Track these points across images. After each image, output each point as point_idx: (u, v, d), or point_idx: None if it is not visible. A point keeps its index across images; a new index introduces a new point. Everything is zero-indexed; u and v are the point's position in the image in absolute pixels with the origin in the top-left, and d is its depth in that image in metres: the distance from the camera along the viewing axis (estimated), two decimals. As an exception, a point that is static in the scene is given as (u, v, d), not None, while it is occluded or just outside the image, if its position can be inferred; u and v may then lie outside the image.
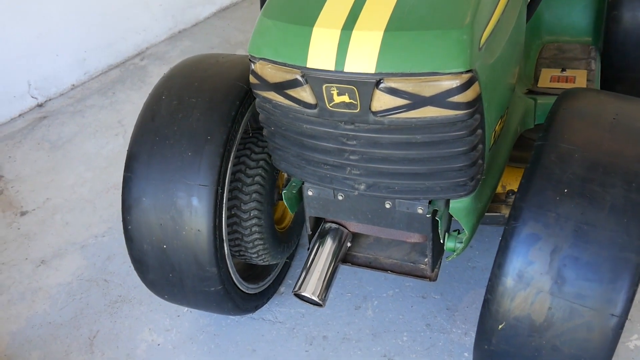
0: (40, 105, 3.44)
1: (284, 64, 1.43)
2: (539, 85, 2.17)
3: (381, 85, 1.34)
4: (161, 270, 1.80)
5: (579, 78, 2.17)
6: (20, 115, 3.38)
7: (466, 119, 1.38)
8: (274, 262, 2.09)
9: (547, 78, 2.20)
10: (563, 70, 2.24)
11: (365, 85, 1.35)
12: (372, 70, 1.33)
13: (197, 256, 1.74)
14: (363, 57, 1.34)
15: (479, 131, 1.45)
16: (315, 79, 1.39)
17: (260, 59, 1.48)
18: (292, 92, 1.45)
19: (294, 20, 1.44)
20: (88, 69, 3.58)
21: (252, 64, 1.51)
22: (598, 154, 1.42)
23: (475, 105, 1.38)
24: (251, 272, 2.11)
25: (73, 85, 3.54)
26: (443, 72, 1.32)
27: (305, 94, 1.43)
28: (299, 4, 1.48)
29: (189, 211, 1.70)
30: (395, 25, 1.35)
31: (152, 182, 1.73)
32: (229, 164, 1.74)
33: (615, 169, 1.39)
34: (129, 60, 3.75)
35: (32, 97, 3.41)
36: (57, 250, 2.55)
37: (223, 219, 1.76)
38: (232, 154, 1.75)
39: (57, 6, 3.33)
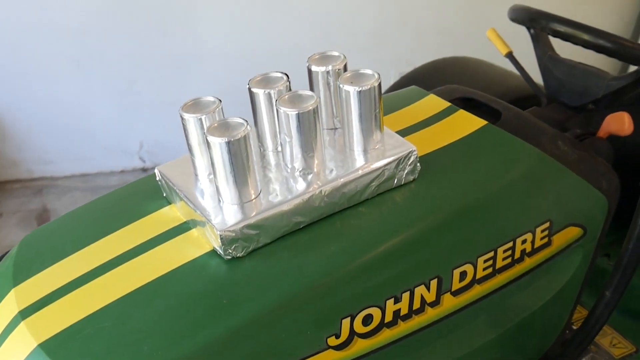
0: (143, 170, 3.41)
1: None
2: None
3: None
4: None
5: None
6: (121, 171, 3.37)
7: None
8: None
9: None
10: None
11: None
12: None
13: None
14: (4, 361, 0.91)
15: None
16: None
17: None
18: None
19: (22, 267, 1.05)
20: (207, 152, 3.47)
21: None
22: None
23: None
24: None
25: (185, 161, 3.46)
26: None
27: None
28: (47, 249, 1.09)
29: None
30: (56, 343, 0.88)
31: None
32: None
33: None
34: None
35: (140, 158, 3.39)
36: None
37: None
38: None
39: (200, 85, 3.28)
